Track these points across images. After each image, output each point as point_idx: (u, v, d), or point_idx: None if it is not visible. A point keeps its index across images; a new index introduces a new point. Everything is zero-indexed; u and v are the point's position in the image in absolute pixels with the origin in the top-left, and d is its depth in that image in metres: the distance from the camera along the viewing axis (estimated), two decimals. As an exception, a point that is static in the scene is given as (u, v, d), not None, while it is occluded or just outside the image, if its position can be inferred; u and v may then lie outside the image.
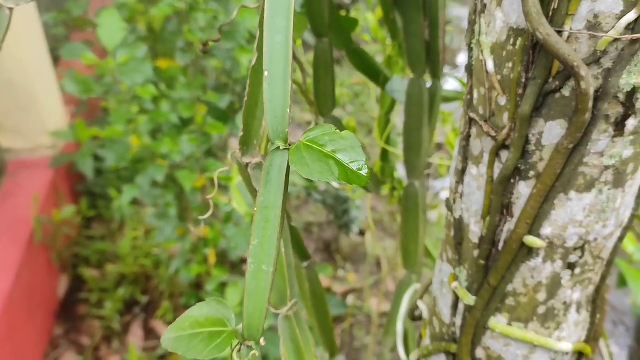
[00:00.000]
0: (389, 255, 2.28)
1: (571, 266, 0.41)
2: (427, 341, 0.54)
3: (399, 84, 0.74)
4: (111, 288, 2.04)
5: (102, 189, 2.34)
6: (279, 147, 0.35)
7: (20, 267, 1.80)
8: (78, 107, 2.44)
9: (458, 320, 0.48)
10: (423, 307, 0.57)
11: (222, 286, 1.82)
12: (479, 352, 0.47)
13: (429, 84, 0.69)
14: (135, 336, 1.96)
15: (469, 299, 0.45)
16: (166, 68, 1.46)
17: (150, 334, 1.98)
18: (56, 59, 2.64)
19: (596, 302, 0.45)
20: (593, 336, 0.47)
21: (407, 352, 0.64)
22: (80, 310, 2.05)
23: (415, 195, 0.73)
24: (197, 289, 2.02)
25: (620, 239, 0.42)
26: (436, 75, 0.70)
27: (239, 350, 0.37)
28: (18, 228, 1.94)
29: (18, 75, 2.08)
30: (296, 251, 0.58)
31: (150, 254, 2.12)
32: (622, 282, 1.05)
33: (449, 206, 0.45)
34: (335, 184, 0.83)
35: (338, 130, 0.35)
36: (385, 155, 0.93)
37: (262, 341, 0.37)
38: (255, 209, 0.35)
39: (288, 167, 0.35)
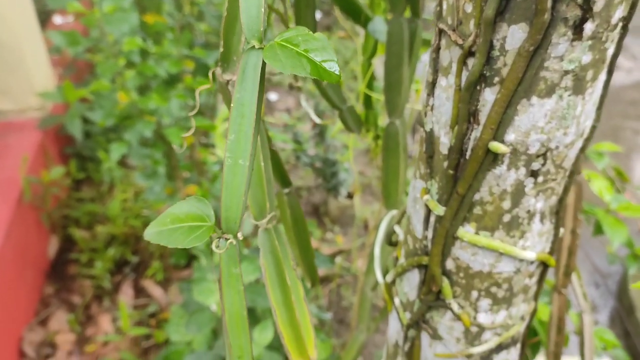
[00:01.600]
0: (377, 217, 2.31)
1: (534, 174, 0.43)
2: (402, 261, 0.56)
3: (381, 24, 0.75)
4: (101, 248, 2.06)
5: (91, 151, 2.34)
6: (254, 46, 0.37)
7: (10, 226, 1.81)
8: (66, 69, 2.42)
9: (429, 233, 0.50)
10: (399, 231, 0.60)
11: (210, 249, 1.84)
12: (449, 264, 0.50)
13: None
14: (126, 295, 1.99)
15: (439, 210, 0.47)
16: (153, 23, 1.45)
17: (140, 292, 2.01)
18: (44, 22, 2.61)
19: (559, 214, 0.48)
20: (556, 248, 0.50)
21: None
22: (71, 270, 2.07)
23: (395, 133, 0.75)
24: (186, 249, 2.05)
25: (582, 149, 0.44)
26: (416, 14, 0.71)
27: (218, 245, 0.39)
28: (7, 188, 1.95)
29: (4, 35, 2.06)
30: (277, 177, 0.60)
31: (140, 215, 2.14)
32: (598, 230, 1.08)
33: (421, 121, 0.47)
34: (317, 119, 0.85)
35: (311, 32, 0.37)
36: (368, 102, 0.94)
37: (239, 235, 0.39)
38: (232, 105, 0.37)
39: (263, 64, 0.37)
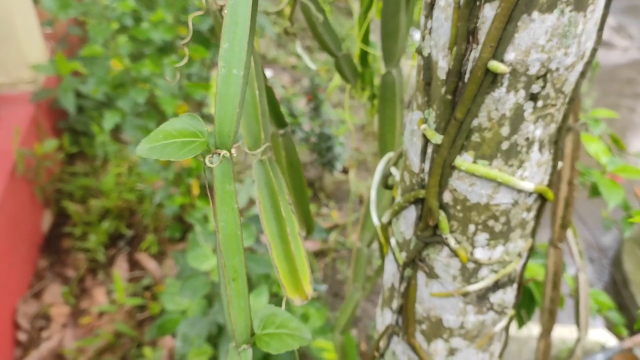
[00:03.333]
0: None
1: (533, 97, 0.43)
2: (398, 199, 0.55)
3: (378, -29, 0.74)
4: (95, 222, 2.05)
5: (84, 126, 2.32)
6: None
7: (3, 198, 1.80)
8: (58, 43, 2.39)
9: (426, 166, 0.49)
10: (395, 172, 0.59)
11: (206, 219, 1.83)
12: (446, 196, 0.49)
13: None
14: (120, 268, 1.99)
15: (437, 138, 0.46)
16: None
17: (135, 266, 2.01)
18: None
19: (558, 144, 0.47)
20: (555, 181, 0.49)
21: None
22: (65, 243, 2.06)
23: (392, 83, 0.74)
24: (181, 223, 2.04)
25: (582, 74, 0.44)
26: (414, -41, 0.70)
27: (211, 160, 0.38)
28: (0, 160, 1.93)
29: (-5, 5, 2.03)
30: (272, 116, 0.59)
31: (134, 189, 2.13)
32: (594, 192, 1.08)
33: (419, 49, 0.46)
34: (312, 65, 0.83)
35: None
36: (364, 59, 0.93)
37: (233, 151, 0.38)
38: (226, 12, 0.35)
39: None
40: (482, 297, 0.55)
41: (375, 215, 0.61)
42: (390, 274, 0.60)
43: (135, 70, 1.48)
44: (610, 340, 1.39)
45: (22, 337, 1.77)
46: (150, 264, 1.98)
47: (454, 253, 0.51)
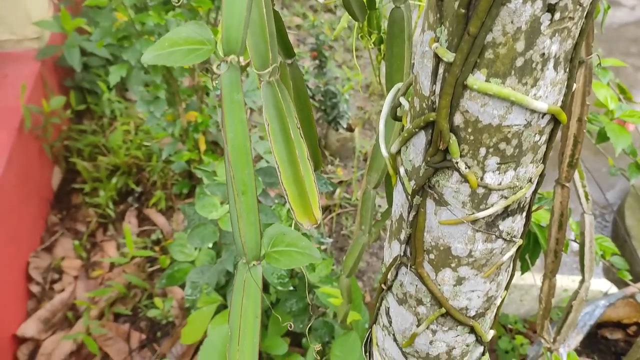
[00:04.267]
0: (379, 150, 2.29)
1: (551, 9, 0.41)
2: (408, 126, 0.55)
3: None
4: (104, 178, 2.07)
5: (90, 84, 2.31)
6: None
7: (11, 153, 1.81)
8: (62, 1, 2.36)
9: (437, 87, 0.49)
10: (404, 102, 0.58)
11: (214, 173, 1.83)
12: (457, 118, 0.49)
13: None
14: (130, 223, 2.01)
15: (449, 56, 0.45)
16: None
17: (144, 221, 2.03)
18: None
19: (573, 62, 0.46)
20: (568, 104, 0.48)
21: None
22: (75, 199, 2.08)
23: (400, 19, 0.73)
24: (189, 179, 2.05)
25: (600, -15, 0.42)
26: None
27: (219, 67, 0.38)
28: (7, 116, 1.93)
29: (-3, -42, 2.00)
30: (279, 44, 0.58)
31: (141, 146, 2.13)
32: (602, 138, 1.07)
33: (432, -37, 0.45)
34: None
35: None
36: (371, 0, 0.91)
37: (242, 59, 0.38)
38: None
39: None
40: (491, 225, 0.55)
41: (384, 146, 0.61)
42: (399, 204, 0.60)
43: (139, 22, 1.46)
44: (612, 289, 1.39)
45: (35, 289, 1.81)
46: (159, 219, 2.00)
47: (464, 178, 0.51)
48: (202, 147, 1.82)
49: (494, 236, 0.56)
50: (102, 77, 2.21)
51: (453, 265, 0.58)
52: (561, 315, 1.04)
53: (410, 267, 0.61)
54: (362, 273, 1.91)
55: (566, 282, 1.40)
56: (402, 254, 0.62)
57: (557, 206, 0.81)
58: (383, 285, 0.67)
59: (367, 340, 0.81)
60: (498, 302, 0.65)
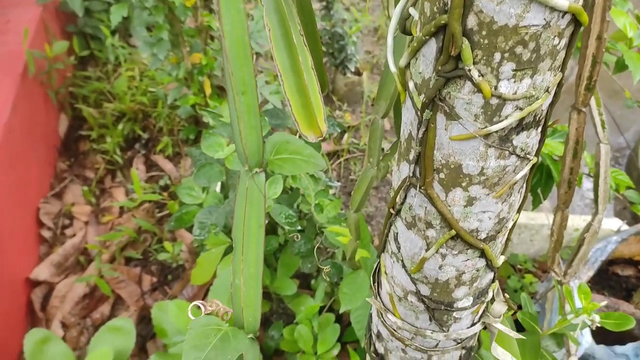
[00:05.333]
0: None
1: None
2: (418, 35, 0.52)
3: None
4: (110, 125, 2.05)
5: (93, 29, 2.27)
6: None
7: (17, 98, 1.79)
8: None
9: (450, -14, 0.45)
10: (414, 12, 0.55)
11: (220, 116, 1.81)
12: (470, 21, 0.45)
13: None
14: (138, 169, 2.01)
15: (462, -52, 0.42)
16: None
17: (151, 167, 2.03)
18: None
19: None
20: (589, 10, 0.45)
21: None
22: (82, 146, 2.08)
23: None
24: (195, 124, 2.03)
25: None
26: None
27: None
28: (10, 61, 1.91)
29: None
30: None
31: (147, 92, 2.10)
32: (619, 67, 1.03)
33: None
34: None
35: None
36: None
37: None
38: None
39: None
40: (504, 140, 0.52)
41: (392, 61, 0.58)
42: (408, 123, 0.58)
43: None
44: (624, 227, 1.38)
45: (47, 234, 1.82)
46: (166, 165, 1.99)
47: (477, 88, 0.48)
48: (208, 90, 1.79)
49: (507, 152, 0.53)
50: (105, 22, 2.16)
51: (464, 184, 0.56)
52: (571, 253, 1.03)
53: (420, 188, 0.59)
54: (370, 217, 1.91)
55: (577, 221, 1.39)
56: (411, 174, 0.60)
57: (572, 133, 0.79)
58: (391, 210, 0.65)
59: (375, 271, 0.80)
60: (510, 225, 0.63)
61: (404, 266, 0.70)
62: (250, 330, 0.48)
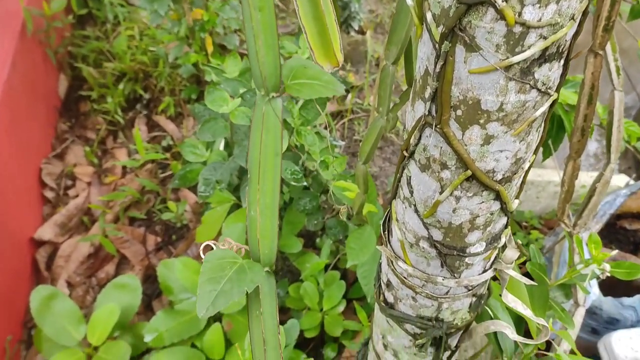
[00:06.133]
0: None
1: None
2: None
3: None
4: (111, 85, 2.02)
5: (90, -13, 2.21)
6: None
7: (15, 57, 1.75)
8: None
9: None
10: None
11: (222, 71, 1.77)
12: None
13: None
14: (140, 130, 1.99)
15: None
16: None
17: (153, 128, 2.01)
18: None
19: None
20: None
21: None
22: (83, 107, 2.05)
23: None
24: (197, 84, 2.00)
25: None
26: None
27: None
28: (8, 20, 1.86)
29: None
30: None
31: (147, 51, 2.07)
32: (634, 15, 1.00)
33: None
34: None
35: None
36: None
37: None
38: None
39: None
40: (526, 72, 0.51)
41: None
42: (425, 57, 0.56)
43: None
44: (631, 182, 1.37)
45: (50, 195, 1.82)
46: (169, 125, 1.97)
47: (500, 14, 0.46)
48: (210, 48, 1.75)
49: (528, 86, 0.52)
50: (103, -21, 2.11)
51: (482, 121, 0.55)
52: (581, 204, 1.02)
53: (436, 126, 0.57)
54: (375, 177, 1.90)
55: (584, 177, 1.38)
56: (426, 113, 0.58)
57: (588, 77, 0.77)
58: (405, 152, 0.64)
59: (385, 219, 0.80)
60: (526, 166, 0.62)
61: (416, 211, 0.69)
62: (267, 263, 0.47)
